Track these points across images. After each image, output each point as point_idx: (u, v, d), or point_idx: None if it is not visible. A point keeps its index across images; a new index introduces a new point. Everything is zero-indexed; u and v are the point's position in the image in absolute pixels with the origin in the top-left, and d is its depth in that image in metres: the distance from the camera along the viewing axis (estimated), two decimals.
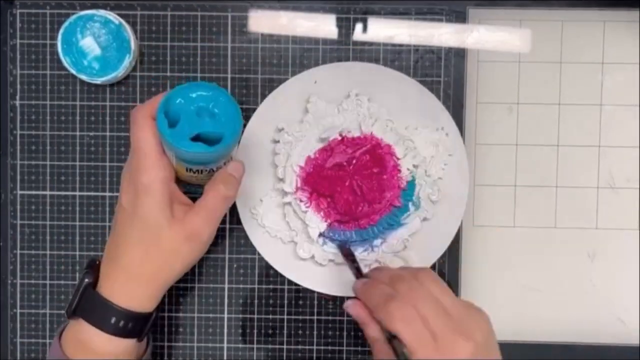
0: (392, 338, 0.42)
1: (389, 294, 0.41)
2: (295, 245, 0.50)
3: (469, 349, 0.39)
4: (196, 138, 0.40)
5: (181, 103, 0.40)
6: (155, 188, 0.42)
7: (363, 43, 0.51)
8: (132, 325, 0.43)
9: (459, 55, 0.51)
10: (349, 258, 0.49)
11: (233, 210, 0.51)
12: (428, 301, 0.40)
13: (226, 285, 0.52)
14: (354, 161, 0.50)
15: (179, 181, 0.45)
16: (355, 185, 0.50)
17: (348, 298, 0.46)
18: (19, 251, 0.52)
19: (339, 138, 0.50)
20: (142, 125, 0.42)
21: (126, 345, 0.43)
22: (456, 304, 0.41)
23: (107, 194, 0.52)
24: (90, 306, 0.42)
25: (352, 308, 0.45)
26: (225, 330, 0.52)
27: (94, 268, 0.44)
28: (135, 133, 0.42)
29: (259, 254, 0.51)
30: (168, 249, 0.42)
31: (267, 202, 0.51)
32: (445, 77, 0.51)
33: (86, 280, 0.43)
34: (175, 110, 0.40)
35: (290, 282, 0.52)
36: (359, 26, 0.51)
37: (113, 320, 0.42)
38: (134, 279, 0.42)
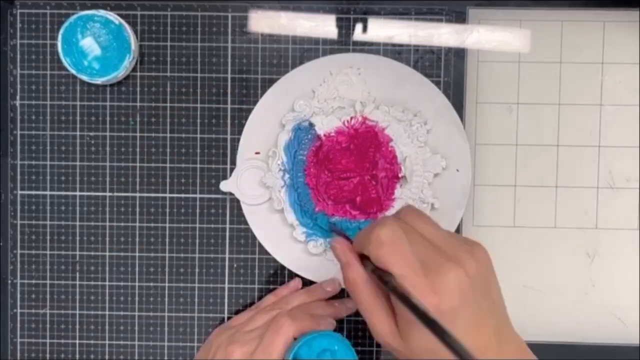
0: (376, 269, 0.38)
1: (373, 226, 0.39)
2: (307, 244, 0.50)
3: (460, 273, 0.36)
4: None
5: (306, 352, 0.43)
6: None
7: (363, 43, 0.51)
8: None
9: (459, 55, 0.51)
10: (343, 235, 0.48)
11: (234, 210, 0.51)
12: (412, 234, 0.38)
13: (226, 285, 0.52)
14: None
15: None
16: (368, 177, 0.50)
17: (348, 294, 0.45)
18: (19, 251, 0.52)
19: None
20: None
21: None
22: (444, 235, 0.39)
23: (107, 194, 0.52)
24: None
25: (337, 242, 0.41)
26: None
27: None
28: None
29: (259, 254, 0.51)
30: None
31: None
32: (445, 77, 0.51)
33: None
34: (301, 355, 0.44)
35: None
36: (359, 26, 0.51)
37: None
38: None
